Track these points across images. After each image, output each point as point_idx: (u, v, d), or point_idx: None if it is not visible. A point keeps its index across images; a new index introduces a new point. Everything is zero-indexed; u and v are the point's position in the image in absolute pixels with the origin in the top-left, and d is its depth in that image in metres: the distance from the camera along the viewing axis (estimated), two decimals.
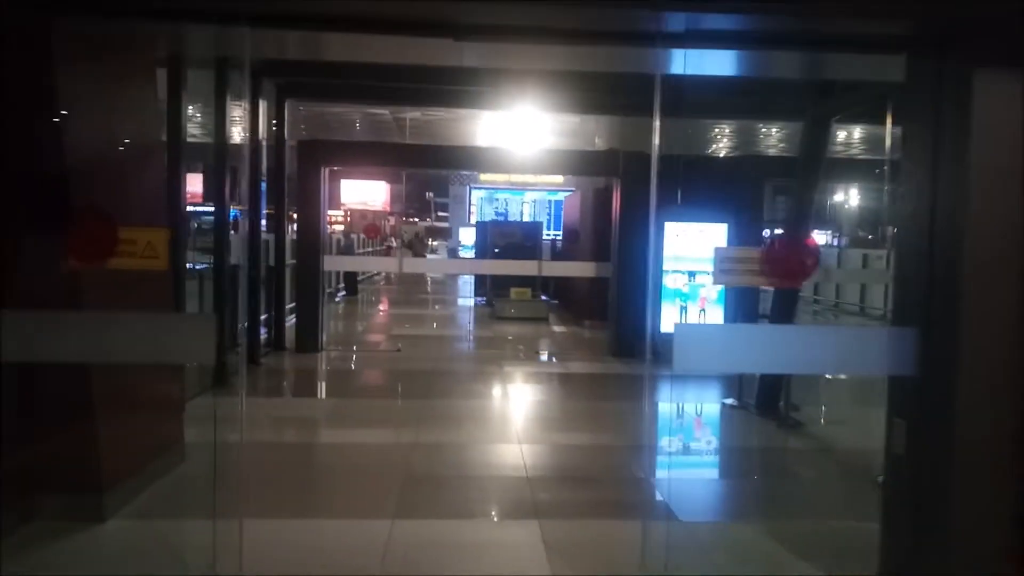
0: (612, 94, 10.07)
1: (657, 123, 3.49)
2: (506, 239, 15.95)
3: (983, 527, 3.08)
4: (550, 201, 33.01)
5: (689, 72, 3.68)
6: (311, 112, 12.16)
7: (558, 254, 16.58)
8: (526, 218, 30.07)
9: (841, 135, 11.52)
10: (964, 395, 3.02)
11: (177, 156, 6.70)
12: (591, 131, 12.10)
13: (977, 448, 3.04)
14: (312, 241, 9.98)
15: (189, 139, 8.47)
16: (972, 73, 2.99)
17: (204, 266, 8.84)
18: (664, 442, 6.57)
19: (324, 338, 10.28)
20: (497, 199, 34.13)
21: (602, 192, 12.73)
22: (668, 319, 9.92)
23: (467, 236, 31.89)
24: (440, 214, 45.12)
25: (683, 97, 9.61)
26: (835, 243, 26.80)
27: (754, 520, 4.60)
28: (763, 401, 7.25)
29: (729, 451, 6.28)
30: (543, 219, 28.34)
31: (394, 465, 5.28)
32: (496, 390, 8.07)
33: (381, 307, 17.09)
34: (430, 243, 37.42)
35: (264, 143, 9.57)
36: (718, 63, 3.89)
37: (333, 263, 10.76)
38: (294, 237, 10.56)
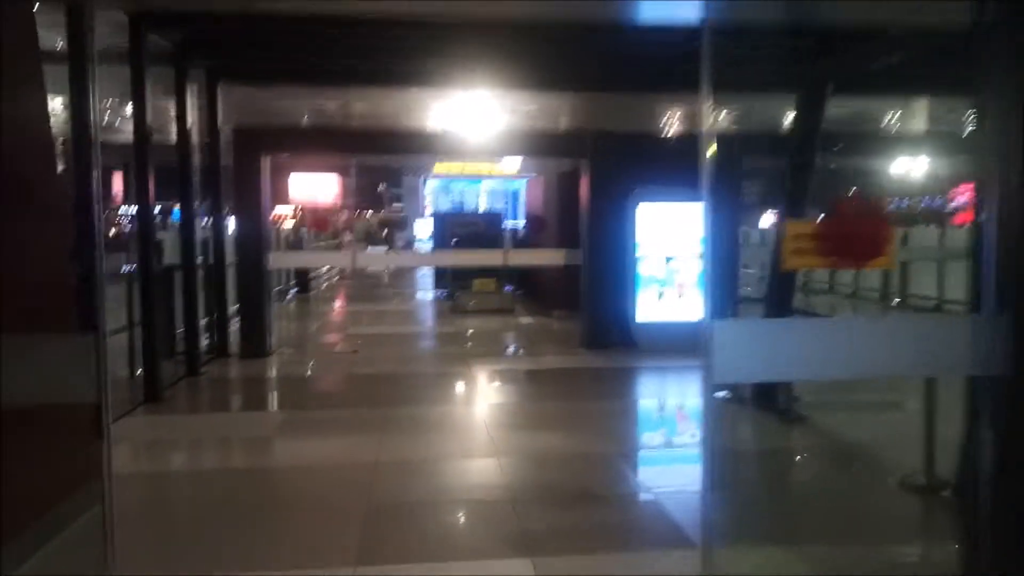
0: (577, 69, 9.35)
1: (707, 77, 2.75)
2: (466, 229, 15.17)
3: None
4: (507, 190, 32.30)
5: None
6: (253, 107, 11.21)
7: (521, 243, 15.84)
8: (483, 208, 29.28)
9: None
10: None
11: (84, 150, 5.74)
12: (554, 110, 11.37)
13: None
14: (254, 237, 9.07)
15: (113, 132, 7.57)
16: None
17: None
18: (659, 448, 5.91)
19: (272, 341, 9.39)
20: (453, 190, 33.28)
21: (567, 176, 12.02)
22: (644, 307, 9.30)
23: (423, 228, 30.97)
24: (395, 205, 44.02)
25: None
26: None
27: (790, 542, 3.93)
28: (761, 393, 6.63)
29: (732, 456, 5.63)
30: (502, 208, 27.56)
31: (353, 493, 4.49)
32: (465, 393, 7.32)
33: (336, 304, 16.15)
34: (385, 234, 36.34)
35: (194, 132, 8.63)
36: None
37: (278, 260, 9.84)
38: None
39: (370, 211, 51.23)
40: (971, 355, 2.53)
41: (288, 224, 24.22)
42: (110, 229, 24.24)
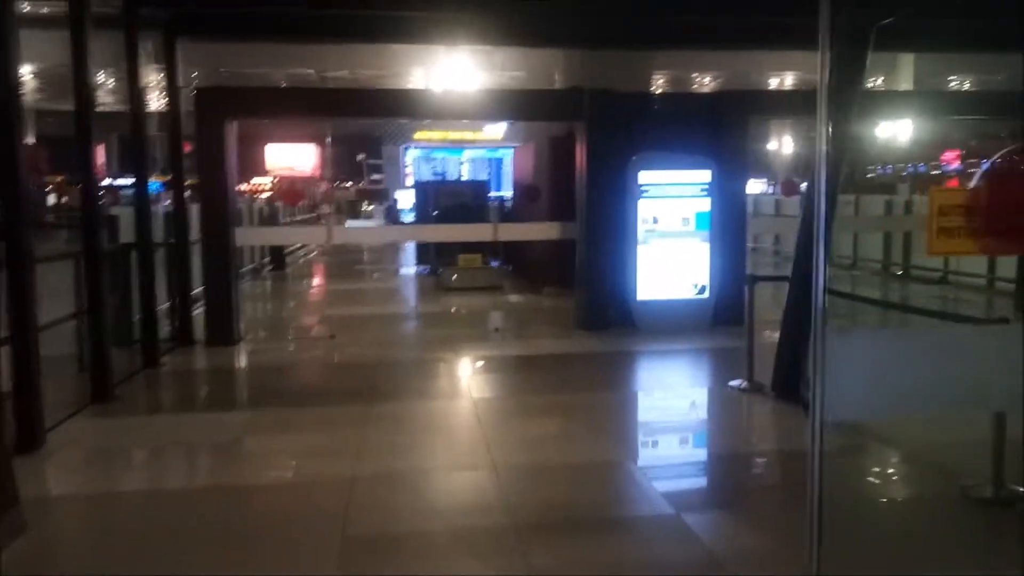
0: (573, 20, 8.54)
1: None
2: (449, 200, 14.34)
3: None
4: (490, 159, 31.36)
5: None
6: (218, 68, 10.30)
7: (508, 215, 15.05)
8: (465, 177, 28.34)
9: None
10: None
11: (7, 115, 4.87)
12: (546, 68, 10.58)
13: None
14: (219, 211, 8.22)
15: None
16: None
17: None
18: (674, 452, 5.22)
19: (242, 326, 8.59)
20: (434, 159, 32.27)
21: (560, 142, 11.21)
22: (645, 284, 8.59)
23: (404, 199, 30.05)
24: (375, 177, 42.94)
25: None
26: None
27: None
28: (782, 380, 5.96)
29: (764, 458, 4.95)
30: (487, 178, 26.70)
31: (324, 522, 3.76)
32: (453, 385, 6.60)
33: (313, 282, 15.33)
34: (365, 207, 35.34)
35: (154, 97, 7.77)
36: None
37: (246, 237, 9.01)
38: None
39: (349, 182, 50.11)
40: None
41: (264, 196, 23.26)
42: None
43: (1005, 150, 2.79)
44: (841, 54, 5.39)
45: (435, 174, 29.93)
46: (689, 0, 8.19)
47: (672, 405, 6.13)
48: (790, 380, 5.92)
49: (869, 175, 33.86)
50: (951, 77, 18.34)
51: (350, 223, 30.35)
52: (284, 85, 9.12)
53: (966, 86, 18.88)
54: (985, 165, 2.69)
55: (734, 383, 6.27)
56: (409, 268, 16.44)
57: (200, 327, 8.44)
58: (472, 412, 5.68)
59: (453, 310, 10.68)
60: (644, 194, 8.52)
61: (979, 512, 3.90)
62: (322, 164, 45.30)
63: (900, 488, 4.62)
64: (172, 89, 8.23)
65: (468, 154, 31.75)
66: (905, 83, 18.05)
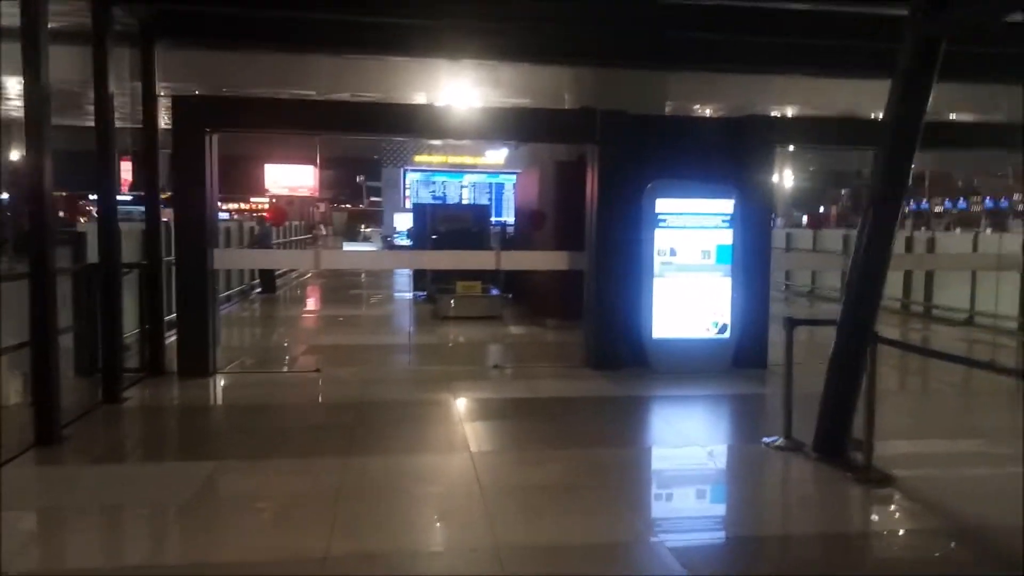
0: (584, 35, 7.90)
1: None
2: (449, 225, 13.64)
3: None
4: (491, 184, 30.80)
5: None
6: (199, 75, 9.64)
7: (510, 242, 14.35)
8: (466, 202, 27.70)
9: None
10: None
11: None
12: (555, 87, 9.94)
13: None
14: (195, 231, 7.49)
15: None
16: None
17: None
18: (712, 530, 4.43)
19: (218, 356, 7.82)
20: (434, 182, 31.69)
21: (568, 166, 10.54)
22: (660, 320, 7.85)
23: (402, 222, 29.41)
24: (373, 199, 42.47)
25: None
26: None
27: None
28: (828, 437, 5.20)
29: (817, 543, 4.16)
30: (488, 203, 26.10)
31: None
32: (448, 434, 5.81)
33: (302, 308, 14.56)
34: (362, 229, 34.73)
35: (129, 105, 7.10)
36: None
37: (224, 260, 8.26)
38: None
39: (348, 204, 49.59)
40: None
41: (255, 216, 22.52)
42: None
43: None
44: (907, 76, 4.70)
45: (435, 198, 29.33)
46: (713, 17, 7.58)
47: (701, 466, 5.35)
48: (836, 439, 5.18)
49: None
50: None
51: (347, 245, 29.75)
52: (263, 89, 8.54)
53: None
54: None
55: (769, 440, 5.51)
56: (405, 293, 15.71)
57: (174, 356, 7.68)
58: (470, 471, 4.89)
59: (450, 343, 9.92)
60: (661, 224, 7.82)
61: None
62: (320, 184, 44.76)
63: None
64: (149, 98, 7.54)
65: (469, 179, 31.20)
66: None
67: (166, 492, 4.47)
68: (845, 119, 7.75)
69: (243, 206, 46.18)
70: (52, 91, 5.32)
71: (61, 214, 25.35)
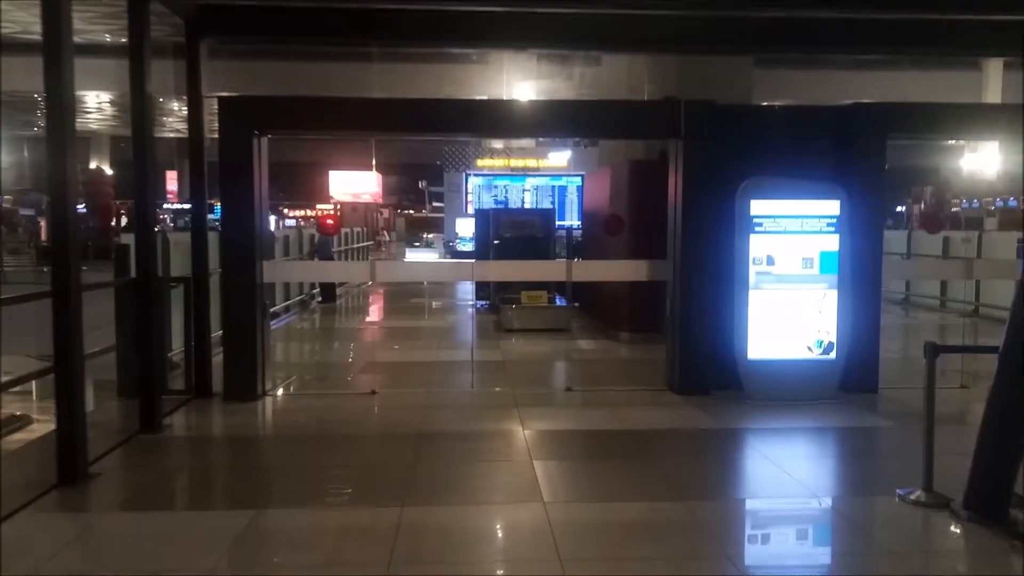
0: (666, 18, 7.04)
1: None
2: (513, 231, 12.89)
3: None
4: (554, 187, 30.04)
5: None
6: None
7: (578, 248, 13.50)
8: (528, 206, 26.96)
9: None
10: None
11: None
12: (631, 77, 9.08)
13: None
14: (243, 242, 6.92)
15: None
16: None
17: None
18: None
19: (267, 377, 7.23)
20: (496, 186, 31.14)
21: (644, 166, 9.66)
22: (758, 339, 6.91)
23: (464, 228, 28.88)
24: (436, 204, 42.22)
25: None
26: None
27: None
28: (983, 493, 4.20)
29: None
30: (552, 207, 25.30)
31: None
32: (515, 478, 5.01)
33: (361, 319, 14.00)
34: (424, 236, 34.41)
35: (154, 103, 6.54)
36: None
37: (274, 272, 7.68)
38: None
39: (411, 210, 49.53)
40: None
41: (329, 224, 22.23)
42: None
43: None
44: None
45: (496, 202, 28.75)
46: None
47: (826, 525, 4.42)
48: (995, 496, 4.18)
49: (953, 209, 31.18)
50: None
51: (409, 252, 29.38)
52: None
53: None
54: None
55: (904, 492, 4.54)
56: (467, 301, 15.05)
57: (221, 375, 7.12)
58: (544, 531, 4.08)
59: (515, 360, 9.14)
60: (757, 228, 6.87)
61: None
62: (384, 190, 44.72)
63: None
64: (195, 99, 7.01)
65: (531, 182, 30.53)
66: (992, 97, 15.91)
67: (192, 553, 3.80)
68: (975, 105, 6.68)
69: (310, 212, 46.47)
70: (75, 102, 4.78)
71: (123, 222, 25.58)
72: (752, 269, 6.86)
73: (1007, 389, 4.14)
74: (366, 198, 43.22)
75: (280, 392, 7.40)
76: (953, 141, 16.71)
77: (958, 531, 4.13)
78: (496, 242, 12.77)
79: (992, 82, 16.29)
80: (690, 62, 8.50)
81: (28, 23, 11.14)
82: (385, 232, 42.92)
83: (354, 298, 16.26)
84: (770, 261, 6.88)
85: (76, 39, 4.89)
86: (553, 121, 7.43)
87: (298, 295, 13.92)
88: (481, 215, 14.92)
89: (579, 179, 28.69)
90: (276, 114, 7.05)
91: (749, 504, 4.73)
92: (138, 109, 5.95)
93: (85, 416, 4.90)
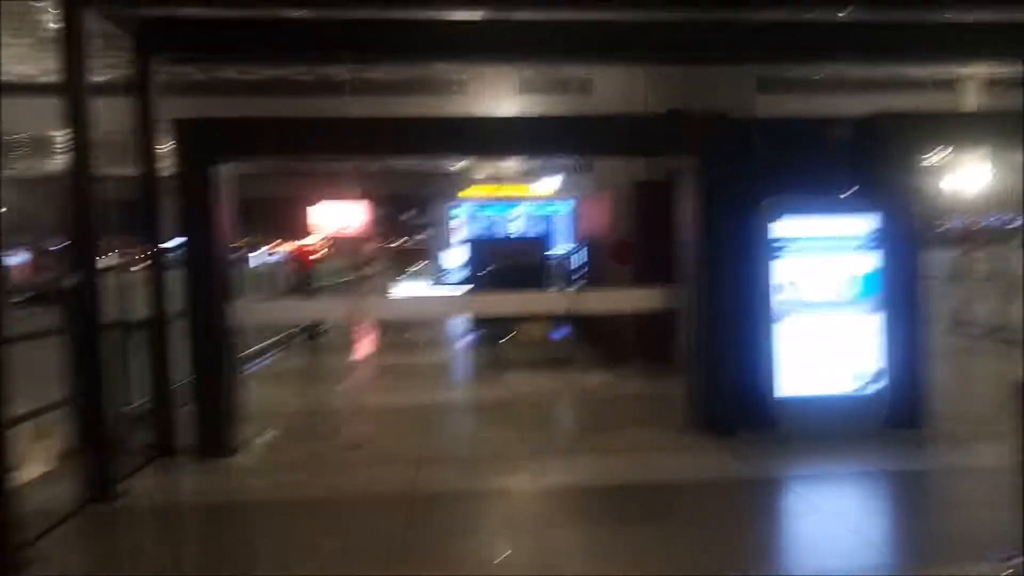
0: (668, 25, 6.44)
1: None
2: (503, 260, 12.12)
3: None
4: (544, 215, 29.45)
5: None
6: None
7: (577, 277, 12.76)
8: (517, 234, 26.27)
9: None
10: None
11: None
12: (629, 89, 8.44)
13: None
14: (207, 281, 6.15)
15: None
16: None
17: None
18: None
19: (238, 430, 6.40)
20: (482, 216, 30.51)
21: (648, 188, 8.99)
22: (790, 373, 6.18)
23: (451, 259, 28.15)
24: (420, 237, 41.60)
25: None
26: None
27: None
28: None
29: None
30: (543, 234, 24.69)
31: None
32: (530, 555, 4.21)
33: (347, 357, 13.13)
34: (409, 269, 33.63)
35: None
36: None
37: (247, 314, 6.90)
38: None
39: (395, 243, 48.80)
40: None
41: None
42: None
43: None
44: None
45: (484, 231, 28.09)
46: None
47: None
48: None
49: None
50: None
51: (395, 285, 28.55)
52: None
53: None
54: None
55: (1008, 557, 3.78)
56: (461, 333, 14.25)
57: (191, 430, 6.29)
58: None
59: (515, 400, 8.33)
60: (782, 250, 6.17)
61: None
62: (368, 223, 43.99)
63: None
64: (145, 120, 6.27)
65: (519, 210, 29.94)
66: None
67: None
68: (1008, 113, 6.09)
69: (287, 248, 45.53)
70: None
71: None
72: (779, 295, 6.15)
73: None
74: (350, 231, 42.51)
75: (256, 446, 6.57)
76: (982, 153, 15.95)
77: None
78: (486, 272, 12.01)
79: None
80: (697, 72, 7.87)
81: None
82: (371, 264, 42.09)
83: (339, 335, 15.40)
84: (799, 286, 6.18)
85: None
86: (546, 139, 6.73)
87: (278, 333, 13.07)
88: (469, 245, 14.19)
89: (569, 205, 28.13)
90: (239, 137, 6.30)
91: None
92: (78, 135, 5.19)
93: (6, 500, 4.05)
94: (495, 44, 6.71)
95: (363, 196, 41.30)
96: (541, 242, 13.42)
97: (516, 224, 28.70)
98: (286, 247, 45.82)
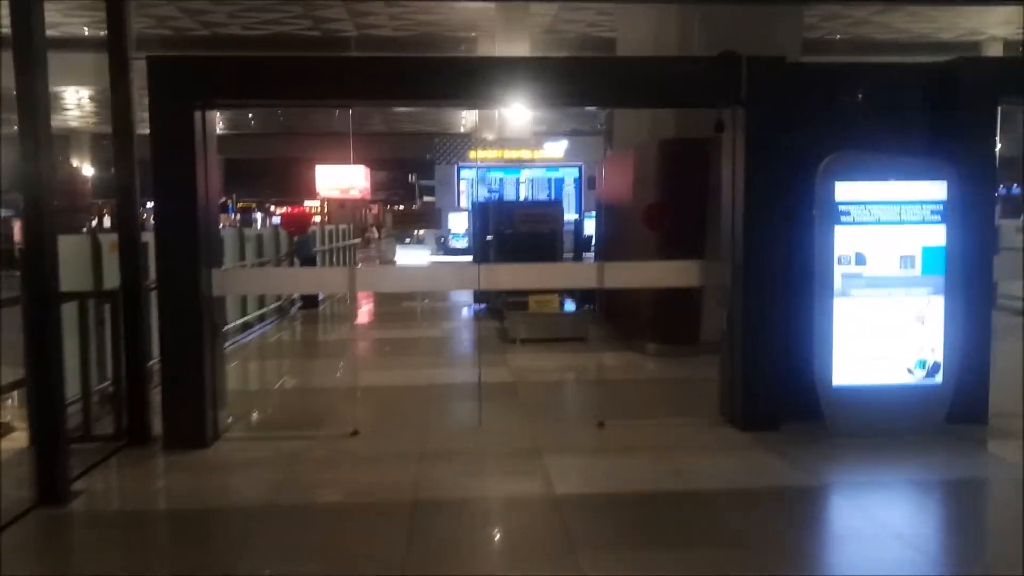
0: None
1: None
2: (515, 227, 11.31)
3: None
4: (550, 180, 28.55)
5: None
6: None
7: (591, 246, 11.98)
8: (524, 197, 25.35)
9: None
10: None
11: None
12: (664, 29, 7.52)
13: None
14: (182, 246, 5.38)
15: None
16: None
17: None
18: None
19: (219, 416, 5.69)
20: (490, 179, 29.62)
21: (677, 147, 8.15)
22: (845, 361, 5.41)
23: (457, 223, 27.38)
24: (427, 199, 40.71)
25: None
26: None
27: None
28: None
29: None
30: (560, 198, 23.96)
31: None
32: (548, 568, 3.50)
33: (345, 329, 12.42)
34: (415, 232, 32.80)
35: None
36: None
37: (228, 283, 6.13)
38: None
39: (401, 205, 47.94)
40: None
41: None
42: None
43: None
44: None
45: (490, 192, 27.22)
46: None
47: None
48: None
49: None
50: None
51: (400, 249, 27.75)
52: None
53: None
54: None
55: None
56: (465, 303, 13.53)
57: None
58: None
59: (528, 383, 7.60)
60: (844, 218, 5.36)
61: None
62: (373, 186, 43.05)
63: None
64: (119, 63, 5.45)
65: (526, 174, 29.03)
66: None
67: None
68: None
69: (308, 204, 44.53)
70: None
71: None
72: (838, 270, 5.36)
73: None
74: (354, 193, 41.61)
75: (237, 434, 5.86)
76: None
77: None
78: (497, 239, 11.22)
79: None
80: (735, 15, 6.96)
81: None
82: (375, 228, 41.31)
83: (338, 304, 14.67)
84: (860, 260, 5.38)
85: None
86: (574, 83, 5.87)
87: (274, 301, 12.35)
88: (478, 209, 13.38)
89: (576, 170, 27.19)
90: (223, 79, 5.47)
91: None
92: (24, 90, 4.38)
93: None
94: None
95: (367, 159, 40.33)
96: (558, 206, 12.60)
97: (526, 188, 27.81)
98: (285, 210, 45.08)
